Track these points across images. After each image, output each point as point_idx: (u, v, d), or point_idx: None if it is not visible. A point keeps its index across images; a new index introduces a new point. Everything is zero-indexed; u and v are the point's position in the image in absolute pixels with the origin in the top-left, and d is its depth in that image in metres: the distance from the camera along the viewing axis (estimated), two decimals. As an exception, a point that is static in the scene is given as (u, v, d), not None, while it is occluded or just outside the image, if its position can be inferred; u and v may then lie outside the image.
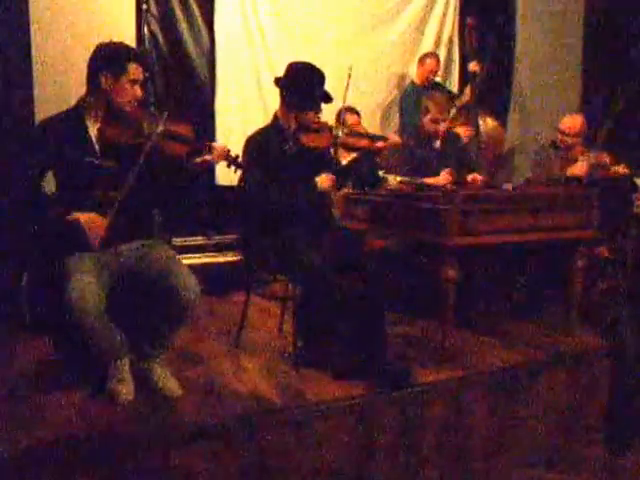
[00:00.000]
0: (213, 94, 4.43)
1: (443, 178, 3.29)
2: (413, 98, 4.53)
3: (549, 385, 2.72)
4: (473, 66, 4.68)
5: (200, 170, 2.33)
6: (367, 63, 4.74)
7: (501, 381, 2.62)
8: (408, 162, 3.40)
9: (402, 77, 5.05)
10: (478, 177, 3.39)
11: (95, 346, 2.14)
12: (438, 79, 4.96)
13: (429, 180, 3.24)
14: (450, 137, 3.60)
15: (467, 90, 4.82)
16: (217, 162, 2.39)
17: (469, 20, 4.71)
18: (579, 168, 3.70)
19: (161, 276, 2.19)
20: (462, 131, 4.37)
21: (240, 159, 2.44)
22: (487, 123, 4.78)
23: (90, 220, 2.11)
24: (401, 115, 4.76)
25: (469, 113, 4.70)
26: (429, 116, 3.43)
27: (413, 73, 4.93)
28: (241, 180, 2.71)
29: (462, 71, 5.18)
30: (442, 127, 3.46)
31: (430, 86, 4.67)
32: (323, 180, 2.66)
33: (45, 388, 2.29)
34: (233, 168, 2.44)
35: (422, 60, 4.76)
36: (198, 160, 2.31)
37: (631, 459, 2.71)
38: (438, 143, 3.51)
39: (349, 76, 2.79)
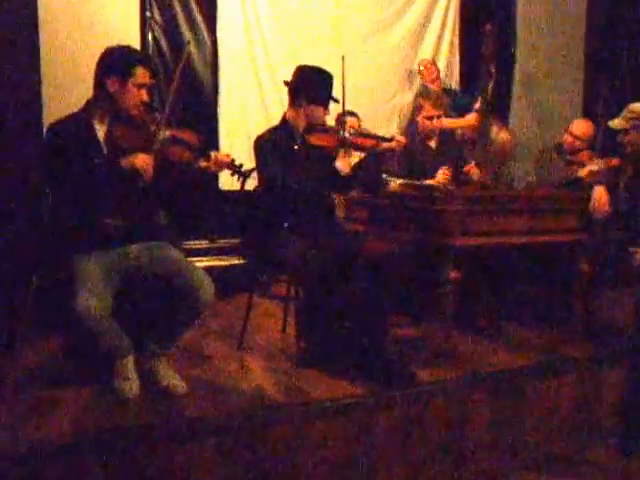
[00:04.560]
0: (216, 99, 4.48)
1: (441, 177, 3.27)
2: None
3: (550, 386, 2.72)
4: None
5: (203, 176, 2.37)
6: (368, 67, 4.79)
7: (502, 382, 2.62)
8: (407, 163, 3.38)
9: (403, 80, 5.10)
10: (474, 168, 3.35)
11: (100, 347, 2.18)
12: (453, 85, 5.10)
13: (428, 181, 3.24)
14: (445, 136, 3.57)
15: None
16: (220, 171, 2.43)
17: (488, 26, 4.76)
18: (590, 171, 3.70)
19: (179, 276, 2.22)
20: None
21: (244, 168, 2.48)
22: (498, 134, 4.77)
23: (142, 160, 2.15)
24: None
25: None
26: (423, 113, 3.40)
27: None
28: (243, 185, 2.74)
29: (462, 75, 5.23)
30: (437, 124, 3.40)
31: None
32: (344, 165, 2.67)
33: (52, 384, 2.32)
34: (236, 176, 2.48)
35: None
36: (201, 167, 2.34)
37: (633, 461, 2.70)
38: (434, 143, 3.49)
39: (343, 63, 2.70)
